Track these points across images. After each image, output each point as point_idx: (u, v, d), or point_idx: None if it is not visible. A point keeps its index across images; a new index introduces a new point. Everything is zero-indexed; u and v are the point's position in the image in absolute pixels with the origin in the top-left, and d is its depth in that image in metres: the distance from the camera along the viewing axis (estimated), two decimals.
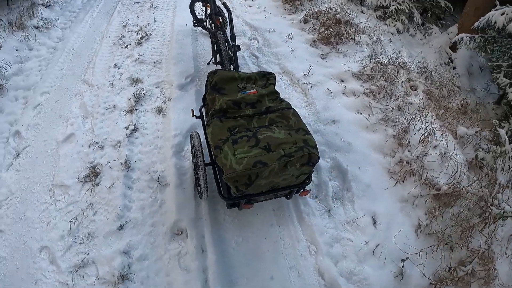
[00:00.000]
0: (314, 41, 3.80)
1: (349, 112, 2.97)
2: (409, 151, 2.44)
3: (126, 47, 3.73)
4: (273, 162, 1.66)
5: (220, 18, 3.13)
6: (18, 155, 2.65)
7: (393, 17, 4.35)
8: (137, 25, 4.06)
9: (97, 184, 2.42)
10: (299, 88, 3.29)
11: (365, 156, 2.61)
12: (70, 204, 2.32)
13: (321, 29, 3.77)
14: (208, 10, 3.36)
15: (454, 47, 4.17)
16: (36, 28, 3.74)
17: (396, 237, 2.10)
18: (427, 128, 2.50)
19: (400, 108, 2.79)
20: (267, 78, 2.19)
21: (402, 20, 4.30)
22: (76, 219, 2.22)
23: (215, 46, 3.09)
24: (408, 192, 2.32)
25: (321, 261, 2.02)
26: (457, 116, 2.68)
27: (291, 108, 2.01)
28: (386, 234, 2.14)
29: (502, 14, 3.14)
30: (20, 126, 2.83)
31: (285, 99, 2.12)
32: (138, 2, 4.69)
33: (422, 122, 2.54)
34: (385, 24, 4.27)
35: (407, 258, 2.01)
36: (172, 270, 1.97)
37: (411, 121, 2.60)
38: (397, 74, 3.09)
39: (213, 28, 3.17)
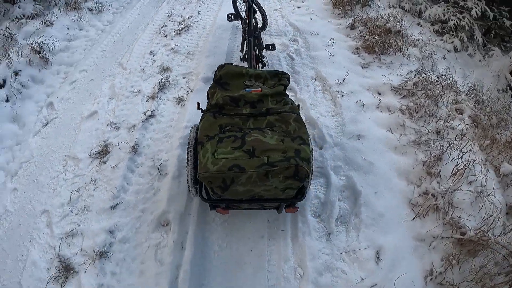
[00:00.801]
0: (357, 48, 3.50)
1: (379, 129, 2.65)
2: (438, 182, 2.07)
3: (165, 36, 3.84)
4: (252, 169, 1.50)
5: (252, 13, 3.02)
6: (47, 124, 2.85)
7: (451, 33, 3.83)
8: (181, 16, 4.17)
9: (104, 162, 2.48)
10: (329, 95, 3.04)
11: (386, 180, 2.28)
12: (77, 176, 2.41)
13: (366, 37, 3.45)
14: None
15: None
16: (90, 10, 4.04)
17: (400, 280, 1.77)
18: (464, 158, 2.09)
19: (439, 132, 2.39)
20: (278, 77, 2.01)
21: (461, 37, 3.76)
22: (78, 191, 2.30)
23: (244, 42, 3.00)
24: (427, 230, 1.96)
25: None
26: (504, 150, 2.21)
27: (295, 113, 1.81)
28: (388, 274, 1.83)
29: None
30: (55, 98, 3.04)
31: (299, 102, 1.93)
32: None
33: (460, 150, 2.13)
34: (442, 40, 3.77)
35: None
36: (148, 259, 1.92)
37: (448, 148, 2.21)
38: (443, 94, 2.67)
39: (245, 25, 3.09)
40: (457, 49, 3.72)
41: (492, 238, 1.79)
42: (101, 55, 3.57)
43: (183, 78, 3.26)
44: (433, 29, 3.92)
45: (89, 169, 2.44)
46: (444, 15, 3.87)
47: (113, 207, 2.18)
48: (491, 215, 1.90)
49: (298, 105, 2.37)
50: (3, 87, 2.89)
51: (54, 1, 3.95)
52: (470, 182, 2.01)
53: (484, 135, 2.32)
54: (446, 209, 1.95)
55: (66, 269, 1.90)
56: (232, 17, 3.36)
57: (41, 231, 2.11)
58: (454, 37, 3.78)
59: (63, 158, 2.55)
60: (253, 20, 3.02)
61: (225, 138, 1.65)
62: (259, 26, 3.79)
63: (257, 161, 1.52)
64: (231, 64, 2.09)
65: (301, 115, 1.88)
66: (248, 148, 1.57)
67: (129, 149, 2.52)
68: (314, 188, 2.28)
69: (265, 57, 3.12)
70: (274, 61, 3.51)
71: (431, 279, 1.78)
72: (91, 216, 2.15)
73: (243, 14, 3.38)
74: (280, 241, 2.01)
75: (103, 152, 2.54)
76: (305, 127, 1.78)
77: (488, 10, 3.89)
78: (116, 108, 2.92)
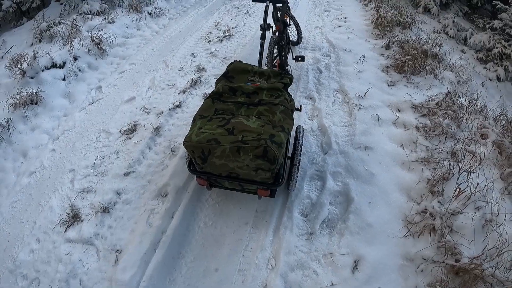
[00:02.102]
0: (387, 66, 3.44)
1: (390, 143, 2.56)
2: (439, 202, 1.92)
3: (209, 41, 4.22)
4: (226, 143, 1.64)
5: (282, 24, 3.19)
6: (92, 103, 3.32)
7: (495, 61, 3.53)
8: (227, 26, 4.54)
9: (130, 138, 2.81)
10: (347, 107, 3.03)
11: (385, 193, 2.19)
12: (105, 146, 2.77)
13: (398, 56, 3.39)
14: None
15: None
16: (149, 14, 4.62)
17: None
18: (475, 181, 1.93)
19: (454, 153, 2.23)
20: (281, 76, 2.14)
21: (505, 66, 3.44)
22: (102, 158, 2.64)
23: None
24: (419, 250, 1.82)
25: (272, 280, 1.79)
26: None
27: (285, 106, 1.90)
28: (362, 286, 1.73)
29: None
30: (104, 83, 3.54)
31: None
32: (238, 8, 5.25)
33: (469, 172, 1.97)
34: (485, 68, 3.49)
35: None
36: (140, 220, 2.12)
37: (457, 168, 2.05)
38: (469, 117, 2.49)
39: (272, 33, 3.28)
40: (500, 78, 3.41)
41: (489, 269, 1.61)
42: (151, 52, 4.05)
43: (214, 78, 3.53)
44: (477, 57, 3.66)
45: (116, 142, 2.78)
46: (489, 42, 3.61)
47: (126, 174, 2.46)
48: (497, 247, 1.71)
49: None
50: (62, 68, 3.46)
51: (119, 2, 4.61)
52: (477, 208, 1.84)
53: (508, 164, 2.11)
54: (443, 231, 1.79)
55: (74, 217, 2.19)
56: (263, 28, 3.57)
57: (65, 185, 2.46)
58: (498, 66, 3.49)
59: (98, 131, 2.94)
60: (284, 29, 3.18)
61: (214, 118, 1.82)
62: (292, 39, 3.98)
63: (233, 138, 1.65)
64: (240, 61, 2.28)
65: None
66: (229, 128, 1.71)
67: (152, 130, 2.82)
68: (308, 189, 2.28)
69: (289, 65, 3.24)
70: (302, 72, 3.62)
71: None
72: (107, 179, 2.44)
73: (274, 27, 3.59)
74: (262, 230, 2.05)
75: (131, 130, 2.88)
76: (292, 119, 1.85)
77: None
78: (151, 96, 3.30)
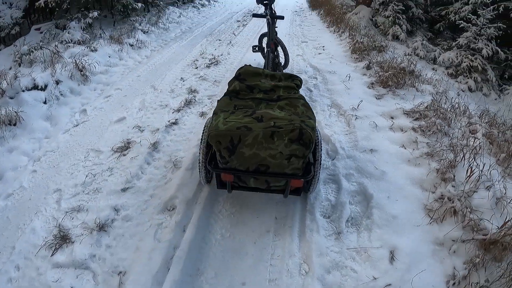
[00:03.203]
0: (372, 83, 3.70)
1: (392, 145, 2.64)
2: (453, 186, 1.97)
3: (196, 68, 4.28)
4: (259, 129, 1.57)
5: (274, 42, 3.36)
6: (77, 125, 3.10)
7: (465, 74, 3.98)
8: (212, 54, 4.67)
9: (124, 155, 2.61)
10: (344, 118, 3.13)
11: (399, 187, 2.20)
12: (96, 164, 2.53)
13: (381, 73, 3.67)
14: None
15: None
16: (131, 46, 4.64)
17: (418, 282, 1.59)
18: (479, 166, 2.02)
19: (453, 147, 2.35)
20: (292, 79, 2.19)
21: (474, 78, 3.88)
22: (94, 176, 2.39)
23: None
24: (446, 233, 1.80)
25: (310, 285, 1.64)
26: None
27: (304, 99, 1.93)
28: (404, 275, 1.65)
29: None
30: (89, 106, 3.36)
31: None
32: (219, 40, 5.49)
33: (474, 156, 2.07)
34: (456, 81, 3.91)
35: None
36: (146, 237, 1.88)
37: (462, 157, 2.15)
38: (455, 117, 2.69)
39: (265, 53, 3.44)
40: (471, 89, 3.81)
41: None
42: (136, 79, 3.99)
43: (208, 99, 3.53)
44: (447, 72, 4.10)
45: (108, 160, 2.56)
46: (457, 58, 4.07)
47: (124, 190, 2.23)
48: None
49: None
50: (44, 90, 3.25)
51: (100, 34, 4.60)
52: (487, 187, 1.90)
53: (500, 151, 2.26)
54: (464, 211, 1.81)
55: (63, 238, 1.88)
56: (257, 49, 3.75)
57: (49, 205, 2.15)
58: (468, 78, 3.91)
59: (86, 151, 2.70)
60: (276, 48, 3.36)
61: (238, 111, 1.77)
62: (281, 62, 4.18)
63: (264, 124, 1.60)
64: (250, 65, 2.31)
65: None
66: (257, 116, 1.67)
67: (149, 145, 2.66)
68: (325, 192, 2.23)
69: None
70: None
71: (454, 283, 1.58)
72: (101, 196, 2.19)
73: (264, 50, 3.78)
74: (286, 236, 1.91)
75: (125, 147, 2.68)
76: (312, 111, 1.86)
77: (499, 50, 4.09)
78: (143, 116, 3.17)
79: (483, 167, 2.03)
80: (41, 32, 4.55)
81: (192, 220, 1.98)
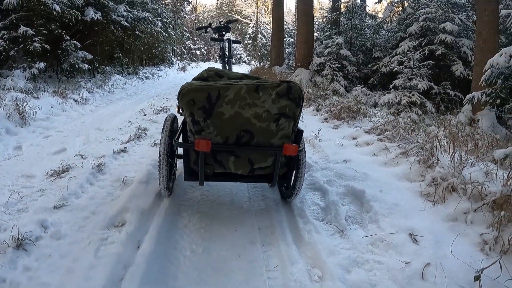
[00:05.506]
0: (325, 118, 3.86)
1: (364, 156, 2.61)
2: (441, 167, 1.90)
3: (144, 115, 4.04)
4: (241, 84, 1.38)
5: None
6: (8, 159, 2.50)
7: (406, 110, 4.47)
8: (160, 106, 4.51)
9: (61, 178, 2.09)
10: (308, 143, 3.07)
11: (387, 183, 2.07)
12: (25, 187, 2.00)
13: (332, 108, 3.89)
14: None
15: (474, 120, 4.02)
16: (75, 101, 4.29)
17: (454, 255, 1.33)
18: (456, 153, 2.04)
19: (422, 147, 2.39)
20: (256, 77, 2.11)
21: (415, 111, 4.38)
22: (21, 198, 1.83)
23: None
24: (455, 208, 1.63)
25: None
26: (491, 148, 2.22)
27: None
28: (437, 251, 1.38)
29: (501, 55, 3.07)
30: (25, 143, 2.81)
31: None
32: (167, 98, 5.46)
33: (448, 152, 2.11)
34: (400, 117, 4.32)
35: (482, 271, 1.18)
36: (84, 255, 1.32)
37: (438, 146, 2.17)
38: (413, 129, 2.86)
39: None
40: (415, 121, 4.20)
41: None
42: (80, 124, 3.54)
43: (159, 134, 3.21)
44: (390, 112, 4.53)
45: (41, 184, 2.04)
46: (396, 98, 4.61)
47: (57, 207, 1.69)
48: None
49: None
50: None
51: (44, 88, 4.20)
52: (472, 164, 1.88)
53: (465, 144, 2.36)
54: (463, 185, 1.71)
55: None
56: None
57: None
58: (410, 112, 4.37)
59: (15, 177, 2.15)
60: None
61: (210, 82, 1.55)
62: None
63: (247, 81, 1.41)
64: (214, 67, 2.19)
65: None
66: (236, 80, 1.48)
67: (93, 166, 2.19)
68: (310, 198, 1.97)
69: None
70: None
71: (490, 248, 1.35)
72: (26, 216, 1.62)
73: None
74: (279, 244, 1.53)
75: (62, 171, 2.18)
76: None
77: (433, 85, 4.84)
78: (87, 147, 2.71)
79: (459, 153, 2.05)
80: None
81: (150, 233, 1.50)
